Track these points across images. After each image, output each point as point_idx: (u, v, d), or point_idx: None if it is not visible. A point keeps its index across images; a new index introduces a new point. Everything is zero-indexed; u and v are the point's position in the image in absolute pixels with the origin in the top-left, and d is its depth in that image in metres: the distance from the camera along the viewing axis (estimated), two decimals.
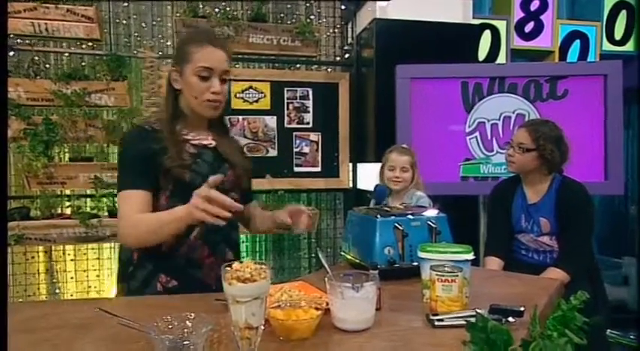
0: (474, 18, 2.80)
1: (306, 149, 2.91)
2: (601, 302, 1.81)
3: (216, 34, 1.30)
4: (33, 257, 2.68)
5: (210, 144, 1.26)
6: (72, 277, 2.74)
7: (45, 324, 0.89)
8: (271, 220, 1.34)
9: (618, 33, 3.27)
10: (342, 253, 1.39)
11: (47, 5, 2.39)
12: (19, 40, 2.48)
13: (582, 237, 1.78)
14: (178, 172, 1.15)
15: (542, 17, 3.15)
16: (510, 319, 0.85)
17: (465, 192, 2.52)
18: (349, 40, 3.07)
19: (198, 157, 1.22)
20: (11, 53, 2.51)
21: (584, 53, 3.22)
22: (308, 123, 2.90)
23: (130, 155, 1.20)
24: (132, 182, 1.15)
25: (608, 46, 3.26)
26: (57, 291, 2.74)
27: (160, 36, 2.85)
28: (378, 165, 2.11)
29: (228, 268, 0.72)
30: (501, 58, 3.09)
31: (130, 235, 1.13)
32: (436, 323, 0.86)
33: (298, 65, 2.99)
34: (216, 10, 2.76)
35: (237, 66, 2.81)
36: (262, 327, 0.72)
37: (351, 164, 2.95)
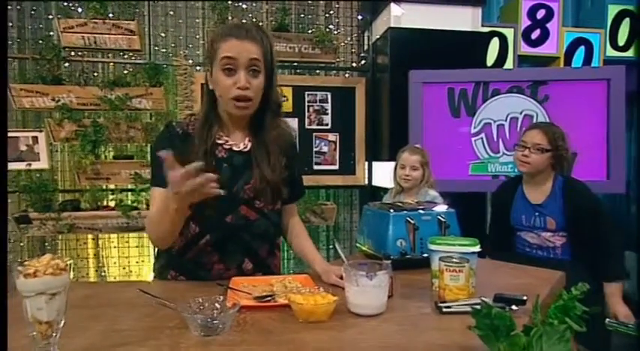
0: (482, 26, 2.75)
1: (325, 149, 2.91)
2: (603, 294, 1.76)
3: (248, 27, 1.03)
4: (85, 243, 2.79)
5: (245, 148, 1.11)
6: (115, 263, 2.83)
7: (95, 302, 0.93)
8: (308, 261, 1.17)
9: (621, 39, 3.15)
10: (358, 245, 1.39)
11: (96, 21, 2.47)
12: (72, 53, 2.57)
13: (610, 234, 1.70)
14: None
15: (548, 25, 3.07)
16: (513, 307, 0.84)
17: (474, 189, 2.48)
18: (365, 47, 3.06)
19: (227, 161, 1.09)
20: (66, 64, 2.61)
21: (588, 59, 3.12)
22: (327, 124, 2.91)
23: (155, 154, 1.08)
24: (154, 179, 1.08)
25: (611, 52, 3.15)
26: (102, 274, 2.83)
27: (191, 46, 2.91)
28: (392, 163, 2.10)
29: (21, 263, 0.65)
30: (509, 63, 3.02)
31: (149, 231, 1.07)
32: (444, 310, 0.86)
33: (318, 71, 2.99)
34: (243, 21, 2.78)
35: None
36: (61, 323, 0.65)
37: (366, 162, 2.94)
